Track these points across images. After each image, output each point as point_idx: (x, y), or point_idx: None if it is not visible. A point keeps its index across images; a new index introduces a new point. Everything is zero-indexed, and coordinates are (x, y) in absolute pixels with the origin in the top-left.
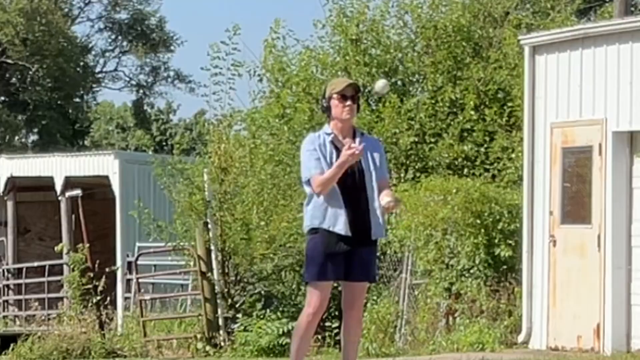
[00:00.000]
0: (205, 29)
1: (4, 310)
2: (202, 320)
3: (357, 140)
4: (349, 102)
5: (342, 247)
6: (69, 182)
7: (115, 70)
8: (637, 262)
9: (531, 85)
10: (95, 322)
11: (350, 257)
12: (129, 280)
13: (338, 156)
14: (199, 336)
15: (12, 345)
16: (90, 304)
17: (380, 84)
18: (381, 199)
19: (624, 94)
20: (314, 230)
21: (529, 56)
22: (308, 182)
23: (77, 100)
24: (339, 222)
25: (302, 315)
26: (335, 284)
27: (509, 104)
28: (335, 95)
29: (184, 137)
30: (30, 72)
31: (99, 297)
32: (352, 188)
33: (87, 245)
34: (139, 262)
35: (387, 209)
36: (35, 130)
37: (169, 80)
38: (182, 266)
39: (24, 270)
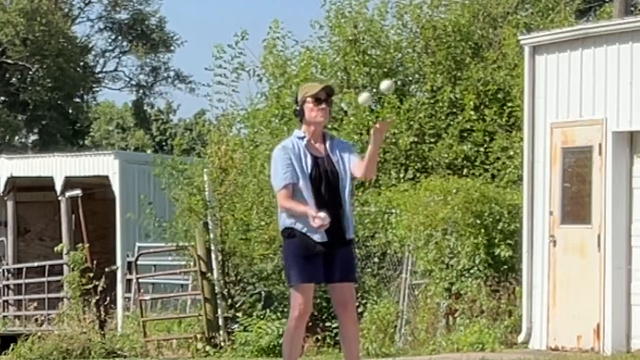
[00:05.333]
0: (205, 29)
1: (4, 310)
2: (202, 321)
3: (328, 143)
4: (323, 105)
5: (319, 249)
6: (69, 182)
7: (115, 70)
8: (637, 262)
9: (531, 85)
10: (95, 322)
11: (331, 259)
12: (129, 280)
13: (312, 161)
14: (198, 336)
15: (12, 345)
16: (90, 304)
17: (386, 85)
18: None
19: (624, 94)
20: (289, 232)
21: (529, 56)
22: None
23: (77, 100)
24: (313, 228)
25: (289, 321)
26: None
27: (509, 104)
28: (309, 99)
29: (183, 138)
30: (30, 72)
31: (98, 297)
32: (327, 191)
33: (87, 245)
34: (139, 262)
35: (379, 129)
36: (35, 130)
37: (169, 80)
38: (182, 266)
39: (24, 270)
